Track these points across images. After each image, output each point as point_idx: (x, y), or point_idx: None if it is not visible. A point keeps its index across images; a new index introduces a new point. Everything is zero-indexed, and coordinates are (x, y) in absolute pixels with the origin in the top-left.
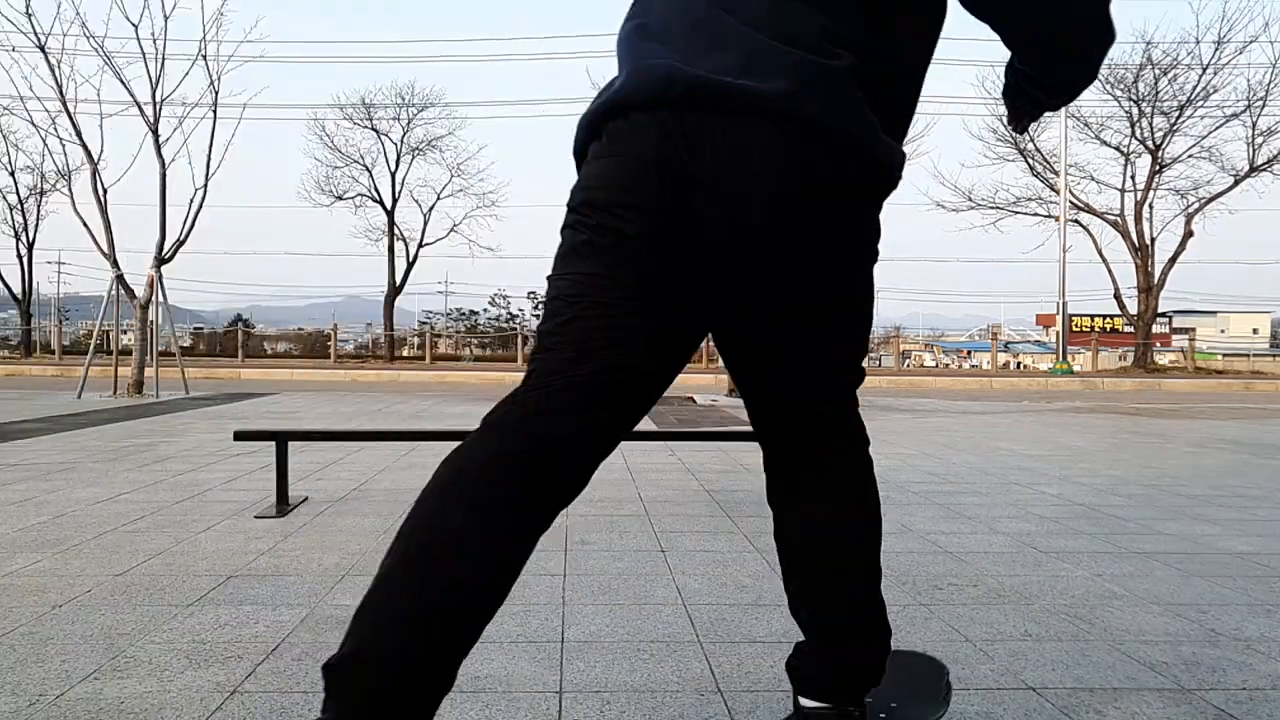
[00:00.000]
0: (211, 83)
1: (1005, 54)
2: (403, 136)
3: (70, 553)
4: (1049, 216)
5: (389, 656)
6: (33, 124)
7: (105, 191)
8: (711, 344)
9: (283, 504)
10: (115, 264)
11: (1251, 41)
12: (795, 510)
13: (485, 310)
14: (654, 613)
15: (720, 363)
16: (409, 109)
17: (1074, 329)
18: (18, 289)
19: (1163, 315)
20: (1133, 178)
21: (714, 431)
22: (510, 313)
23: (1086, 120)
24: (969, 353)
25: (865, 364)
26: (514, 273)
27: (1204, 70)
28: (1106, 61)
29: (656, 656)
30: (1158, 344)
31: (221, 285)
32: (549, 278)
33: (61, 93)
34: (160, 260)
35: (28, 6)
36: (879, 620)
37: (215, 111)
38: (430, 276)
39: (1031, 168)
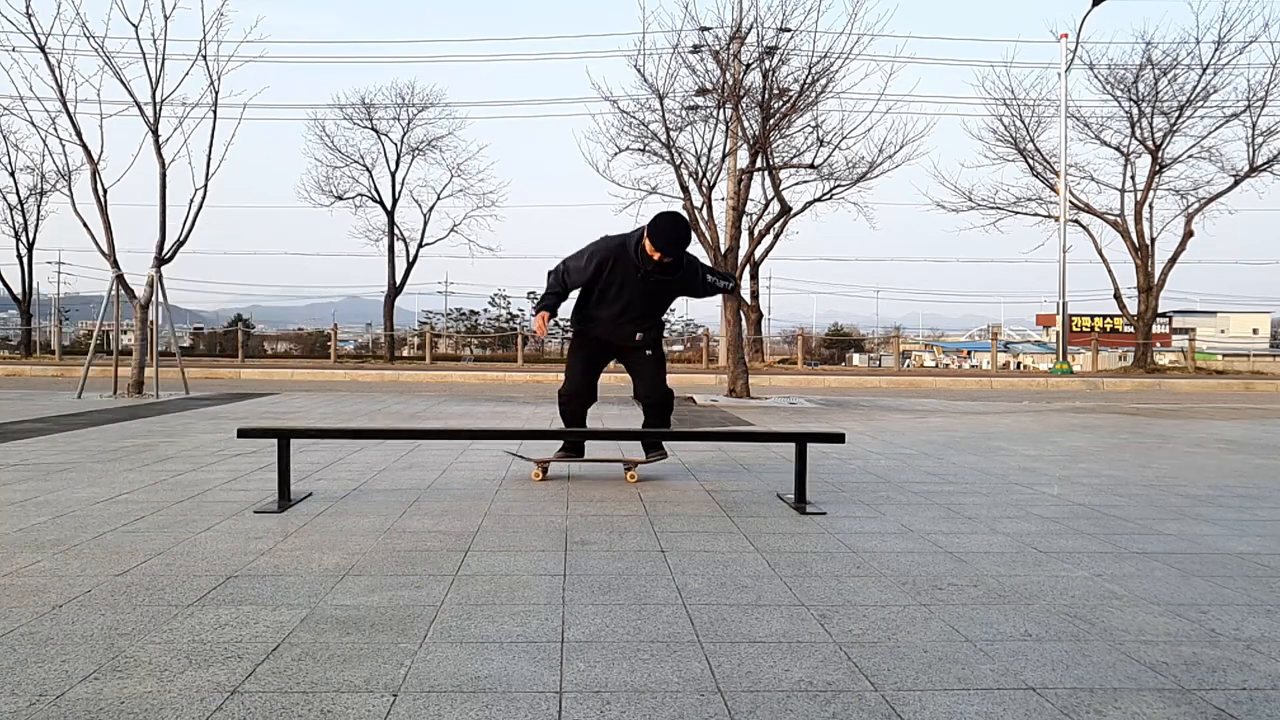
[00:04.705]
0: (211, 83)
1: (1004, 54)
2: (403, 136)
3: (70, 553)
4: (1049, 216)
5: None
6: (33, 124)
7: (105, 191)
8: (706, 345)
9: (284, 500)
10: (115, 264)
11: (1251, 41)
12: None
13: (485, 310)
14: (654, 613)
15: (720, 363)
16: (409, 109)
17: (1074, 329)
18: (18, 289)
19: (1163, 315)
20: (1133, 178)
21: (714, 431)
22: (510, 313)
23: (1086, 120)
24: (969, 353)
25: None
26: (514, 273)
27: (1204, 70)
28: (1107, 61)
29: (656, 656)
30: (1158, 344)
31: (221, 285)
32: None
33: (61, 93)
34: (160, 260)
35: (28, 6)
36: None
37: (215, 111)
38: (430, 276)
39: (1031, 168)
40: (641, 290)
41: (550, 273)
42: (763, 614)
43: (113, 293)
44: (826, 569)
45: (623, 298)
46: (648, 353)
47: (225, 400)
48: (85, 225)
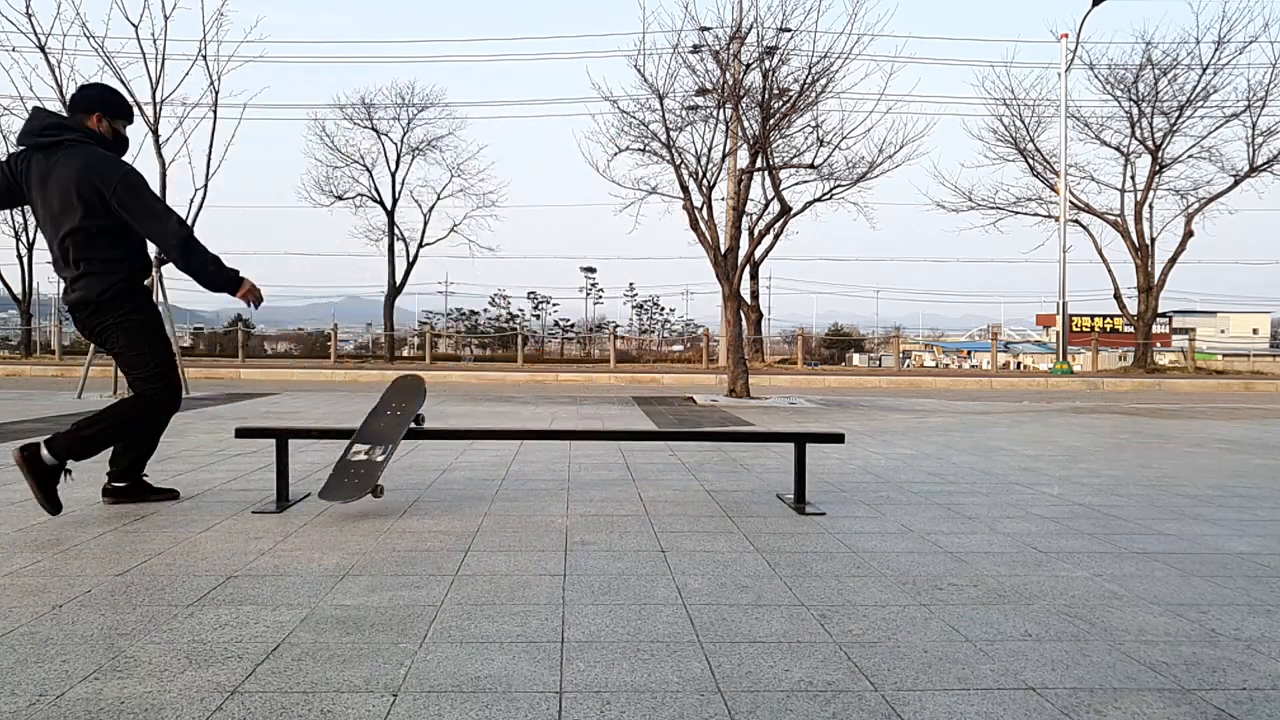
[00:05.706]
0: (211, 83)
1: (1004, 54)
2: (403, 136)
3: (70, 553)
4: (1049, 216)
5: None
6: None
7: None
8: (706, 344)
9: (283, 500)
10: None
11: (1251, 41)
12: None
13: (485, 310)
14: (654, 613)
15: (720, 363)
16: (409, 109)
17: (1074, 329)
18: (18, 289)
19: (1163, 315)
20: (1133, 178)
21: (714, 431)
22: (510, 313)
23: (1086, 120)
24: (969, 353)
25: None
26: (514, 273)
27: (1204, 70)
28: (1107, 61)
29: (656, 656)
30: (1158, 344)
31: None
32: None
33: (61, 93)
34: (160, 260)
35: (28, 6)
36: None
37: (215, 111)
38: (430, 276)
39: (1031, 168)
40: None
41: (180, 222)
42: (763, 614)
43: None
44: (826, 569)
45: None
46: None
47: (225, 400)
48: None
